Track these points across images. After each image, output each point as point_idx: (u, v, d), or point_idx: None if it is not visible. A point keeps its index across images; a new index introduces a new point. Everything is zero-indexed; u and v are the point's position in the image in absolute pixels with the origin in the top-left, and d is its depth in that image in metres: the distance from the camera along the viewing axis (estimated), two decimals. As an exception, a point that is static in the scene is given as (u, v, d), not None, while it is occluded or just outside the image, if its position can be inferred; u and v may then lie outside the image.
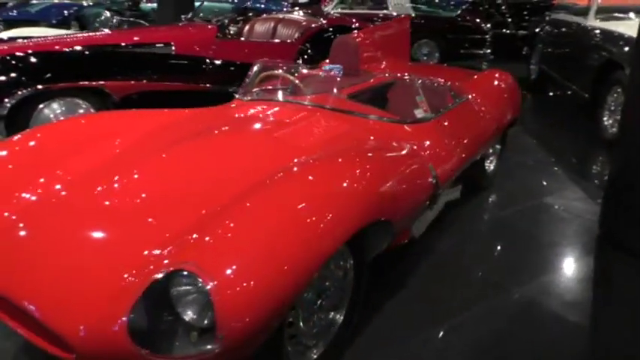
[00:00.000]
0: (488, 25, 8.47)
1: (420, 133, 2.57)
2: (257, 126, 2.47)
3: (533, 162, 4.45)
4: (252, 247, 1.44)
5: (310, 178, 1.79)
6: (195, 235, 1.50)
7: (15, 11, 11.47)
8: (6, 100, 3.61)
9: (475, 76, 3.81)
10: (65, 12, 10.46)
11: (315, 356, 1.85)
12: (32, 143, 2.19)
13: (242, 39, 5.10)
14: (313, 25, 5.22)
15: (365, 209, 1.78)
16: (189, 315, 1.39)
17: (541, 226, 3.23)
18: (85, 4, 12.34)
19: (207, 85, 4.46)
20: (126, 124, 2.40)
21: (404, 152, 2.33)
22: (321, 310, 1.84)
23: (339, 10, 8.40)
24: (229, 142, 2.27)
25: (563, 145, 5.04)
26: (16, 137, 2.27)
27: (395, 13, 8.27)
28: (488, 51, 8.34)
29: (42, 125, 2.64)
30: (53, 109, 3.89)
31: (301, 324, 1.76)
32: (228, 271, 1.37)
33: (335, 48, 3.63)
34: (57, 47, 4.04)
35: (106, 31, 5.71)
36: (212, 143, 2.23)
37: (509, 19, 9.79)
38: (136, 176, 1.92)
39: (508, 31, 9.67)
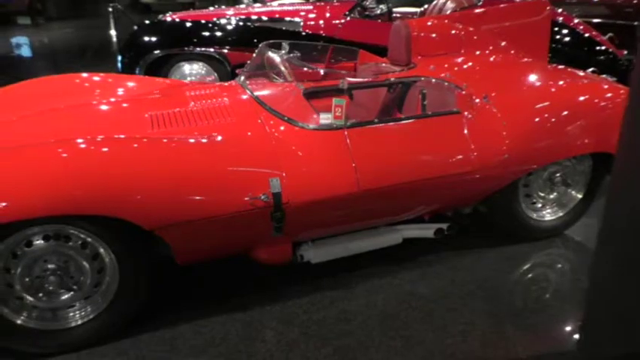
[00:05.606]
0: None
1: (308, 141, 2.19)
2: (164, 101, 2.58)
3: None
4: None
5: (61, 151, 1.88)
6: None
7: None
8: (147, 55, 4.50)
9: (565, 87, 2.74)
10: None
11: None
12: None
13: (378, 20, 4.72)
14: (467, 5, 4.46)
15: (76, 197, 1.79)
16: None
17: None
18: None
19: None
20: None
21: (234, 152, 2.08)
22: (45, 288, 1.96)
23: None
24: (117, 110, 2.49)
25: None
26: None
27: None
28: None
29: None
30: (191, 68, 4.65)
31: (19, 287, 1.93)
32: None
33: (391, 34, 3.21)
34: (213, 18, 4.71)
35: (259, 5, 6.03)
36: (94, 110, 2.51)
37: None
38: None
39: None
